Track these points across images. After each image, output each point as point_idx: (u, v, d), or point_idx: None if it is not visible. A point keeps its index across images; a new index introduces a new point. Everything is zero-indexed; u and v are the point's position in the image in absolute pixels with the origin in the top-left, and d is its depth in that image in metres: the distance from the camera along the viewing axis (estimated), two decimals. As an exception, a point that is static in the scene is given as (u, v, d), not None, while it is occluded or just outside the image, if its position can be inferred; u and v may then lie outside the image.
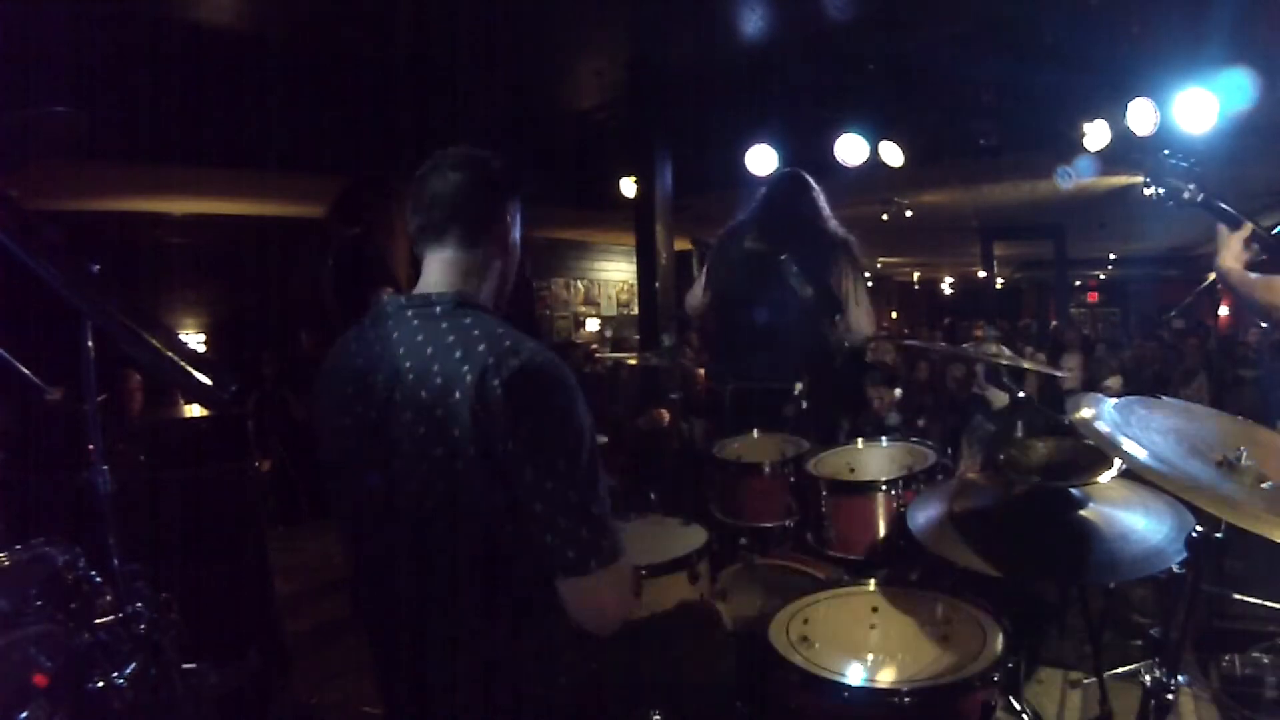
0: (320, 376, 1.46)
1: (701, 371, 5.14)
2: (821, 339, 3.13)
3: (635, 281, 7.56)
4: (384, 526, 1.35)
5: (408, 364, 1.32)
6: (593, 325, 11.92)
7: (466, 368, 1.26)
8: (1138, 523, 1.56)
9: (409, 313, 1.38)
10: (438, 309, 1.36)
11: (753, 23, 5.11)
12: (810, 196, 3.24)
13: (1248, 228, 2.25)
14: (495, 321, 1.36)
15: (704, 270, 3.37)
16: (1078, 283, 19.89)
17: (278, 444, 6.06)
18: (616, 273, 12.36)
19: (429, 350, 1.31)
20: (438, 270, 1.43)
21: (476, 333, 1.31)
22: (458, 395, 1.25)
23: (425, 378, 1.29)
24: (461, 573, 1.30)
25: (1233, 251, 2.25)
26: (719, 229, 3.52)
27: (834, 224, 3.21)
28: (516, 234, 1.53)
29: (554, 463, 1.26)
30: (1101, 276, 20.40)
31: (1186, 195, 2.31)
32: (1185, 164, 2.30)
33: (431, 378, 1.28)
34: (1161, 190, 2.33)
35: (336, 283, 3.42)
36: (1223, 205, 2.32)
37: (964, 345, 3.84)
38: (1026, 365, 3.00)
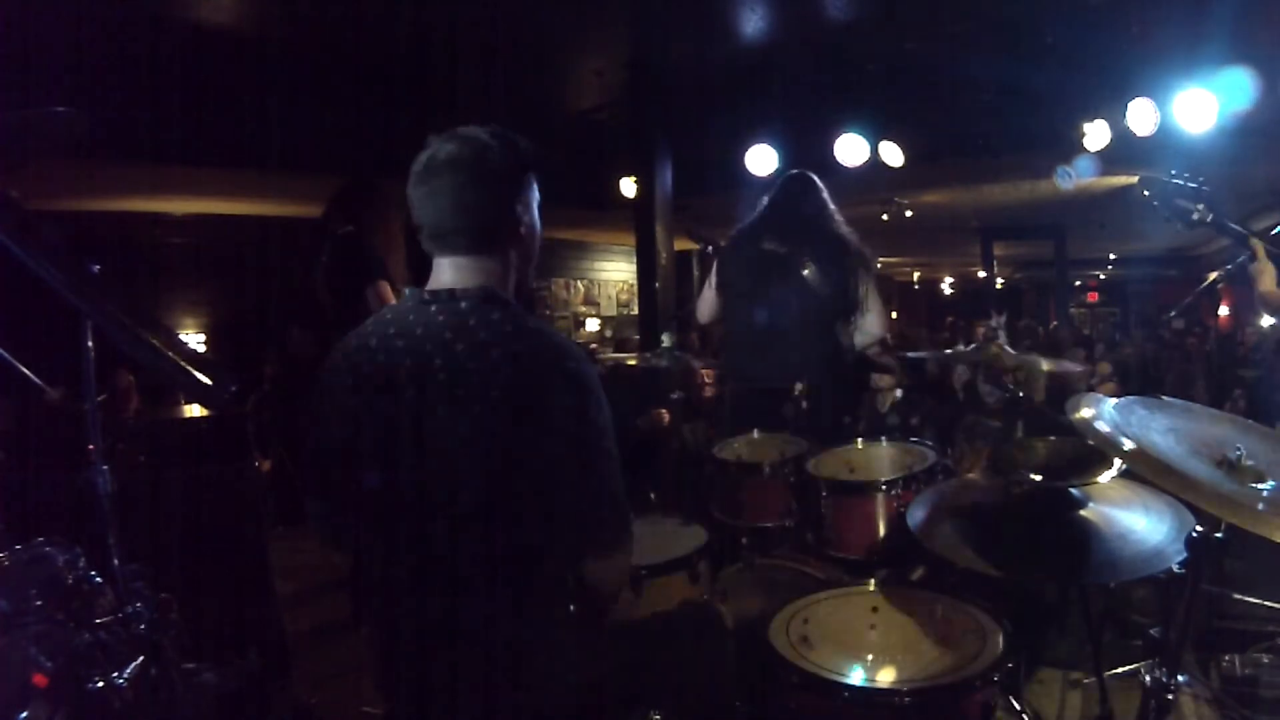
0: (330, 371, 1.43)
1: (707, 372, 5.12)
2: (834, 340, 3.13)
3: (635, 281, 7.57)
4: (406, 522, 1.33)
5: (437, 361, 1.29)
6: (593, 325, 11.93)
7: (505, 365, 1.26)
8: (1138, 523, 1.56)
9: (433, 308, 1.35)
10: (463, 304, 1.33)
11: (753, 23, 5.11)
12: (819, 197, 3.24)
13: (1259, 245, 2.24)
14: (524, 316, 1.35)
15: (713, 273, 3.36)
16: (1078, 283, 19.89)
17: (278, 444, 6.05)
18: (616, 273, 12.37)
19: (460, 347, 1.29)
20: (452, 270, 1.39)
21: (509, 329, 1.30)
22: (497, 392, 1.25)
23: (460, 375, 1.27)
24: (482, 570, 1.30)
25: (1268, 276, 2.24)
26: (720, 229, 3.52)
27: (846, 227, 3.21)
28: (534, 215, 1.47)
29: (596, 451, 1.29)
30: (1101, 276, 20.40)
31: (1195, 216, 2.29)
32: (1194, 185, 2.28)
33: (467, 375, 1.27)
34: (1168, 213, 2.31)
35: (329, 278, 3.45)
36: (1233, 225, 2.30)
37: (971, 345, 3.82)
38: (1045, 366, 2.95)
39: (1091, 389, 5.47)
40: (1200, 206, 2.28)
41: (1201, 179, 2.28)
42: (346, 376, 1.39)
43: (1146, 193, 2.35)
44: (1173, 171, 2.33)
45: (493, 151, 1.38)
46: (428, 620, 1.34)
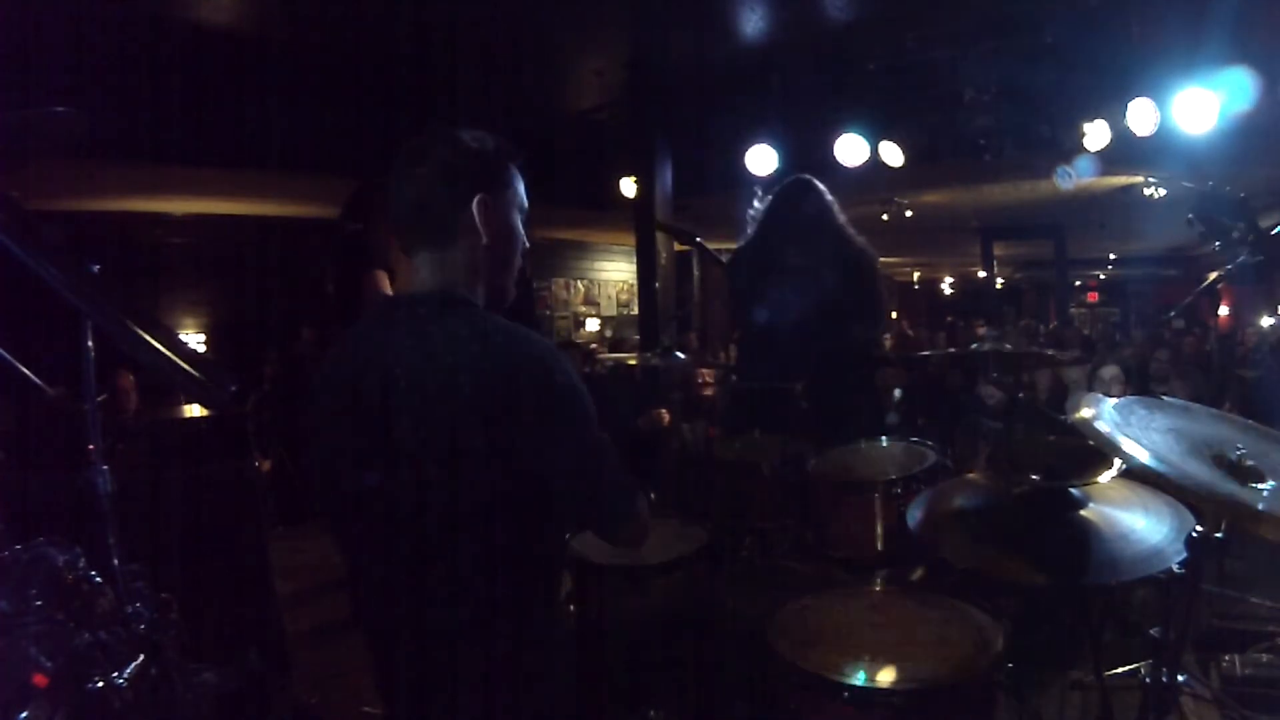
0: (316, 378, 1.43)
1: (706, 372, 5.14)
2: (836, 339, 3.14)
3: (635, 281, 7.57)
4: (386, 530, 1.34)
5: (398, 370, 1.29)
6: (593, 325, 11.93)
7: (462, 373, 1.24)
8: (1138, 523, 1.56)
9: (395, 315, 1.35)
10: (422, 311, 1.33)
11: (753, 23, 5.11)
12: (821, 198, 3.24)
13: None
14: (482, 317, 1.33)
15: (729, 279, 3.38)
16: (1078, 283, 19.89)
17: (278, 444, 6.05)
18: (616, 273, 12.37)
19: (418, 356, 1.28)
20: (422, 270, 1.38)
21: (466, 333, 1.28)
22: (457, 401, 1.24)
23: (419, 385, 1.27)
24: (464, 573, 1.30)
25: None
26: (719, 228, 3.53)
27: (850, 228, 3.21)
28: (508, 215, 1.43)
29: (578, 439, 1.29)
30: (1101, 276, 20.39)
31: (1236, 235, 2.25)
32: (1238, 199, 2.24)
33: (426, 385, 1.26)
34: (1206, 228, 2.28)
35: (335, 275, 3.48)
36: (1274, 238, 2.26)
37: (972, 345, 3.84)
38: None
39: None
40: (1241, 225, 2.24)
41: (1243, 193, 2.24)
42: (325, 390, 1.40)
43: (1191, 217, 2.32)
44: (1210, 183, 2.31)
45: (455, 149, 1.36)
46: (415, 625, 1.34)
